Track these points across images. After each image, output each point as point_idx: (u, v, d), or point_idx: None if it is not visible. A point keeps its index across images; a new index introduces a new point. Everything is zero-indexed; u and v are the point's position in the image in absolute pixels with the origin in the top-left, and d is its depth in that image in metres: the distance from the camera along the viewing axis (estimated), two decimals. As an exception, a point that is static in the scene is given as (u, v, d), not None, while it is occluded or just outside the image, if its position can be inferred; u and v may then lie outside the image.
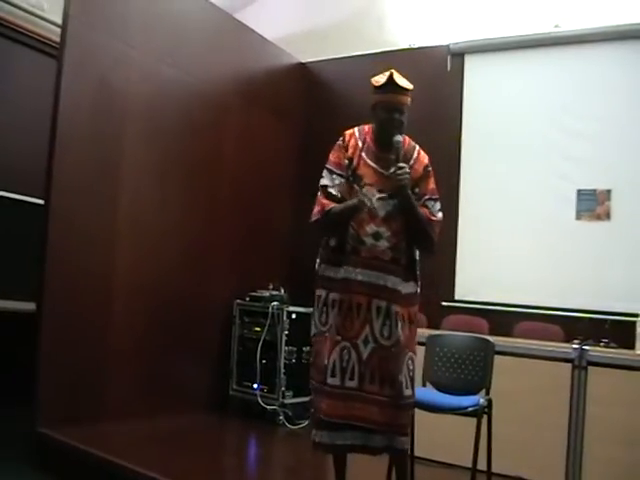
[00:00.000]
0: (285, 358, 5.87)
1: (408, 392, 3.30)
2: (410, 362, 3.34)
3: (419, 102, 6.47)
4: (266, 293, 6.05)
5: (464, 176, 6.24)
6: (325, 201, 3.41)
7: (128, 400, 5.12)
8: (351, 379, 3.28)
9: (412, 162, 3.48)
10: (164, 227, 5.08)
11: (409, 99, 3.46)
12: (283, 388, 5.83)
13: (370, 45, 6.88)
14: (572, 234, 5.69)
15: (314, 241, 6.95)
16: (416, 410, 3.94)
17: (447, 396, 3.95)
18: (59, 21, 5.14)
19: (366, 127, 3.64)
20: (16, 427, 4.94)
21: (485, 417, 3.78)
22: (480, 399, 3.76)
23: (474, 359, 4.06)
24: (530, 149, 5.94)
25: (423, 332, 4.80)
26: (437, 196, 3.51)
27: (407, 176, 3.30)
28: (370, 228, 3.34)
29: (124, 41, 5.27)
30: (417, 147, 3.57)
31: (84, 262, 4.95)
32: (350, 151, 3.54)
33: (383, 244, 3.34)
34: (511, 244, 5.92)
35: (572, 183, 5.73)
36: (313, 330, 3.52)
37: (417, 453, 4.18)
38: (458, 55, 6.39)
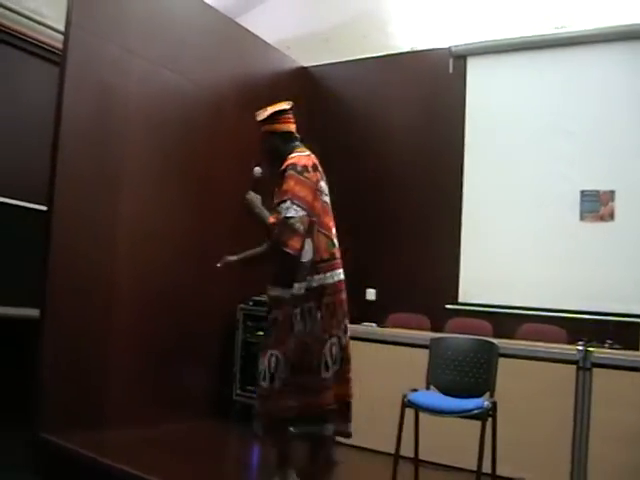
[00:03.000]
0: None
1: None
2: None
3: (421, 104, 6.58)
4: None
5: (467, 178, 6.24)
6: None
7: (131, 406, 5.11)
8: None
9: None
10: (166, 231, 5.08)
11: (266, 127, 3.94)
12: (288, 391, 5.80)
13: (372, 49, 6.89)
14: (576, 235, 5.69)
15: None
16: (420, 413, 3.96)
17: (451, 399, 3.95)
18: (58, 27, 5.15)
19: None
20: (18, 432, 4.94)
21: (489, 420, 3.76)
22: (485, 402, 3.74)
23: (478, 361, 4.05)
24: (533, 151, 5.94)
25: (426, 335, 4.81)
26: (286, 197, 3.66)
27: (246, 202, 3.85)
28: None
29: (125, 47, 5.27)
30: (289, 160, 3.79)
31: (87, 268, 4.95)
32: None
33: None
34: (514, 246, 5.91)
35: (575, 184, 5.73)
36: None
37: (421, 456, 4.19)
38: (460, 57, 6.39)
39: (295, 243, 3.60)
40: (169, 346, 4.96)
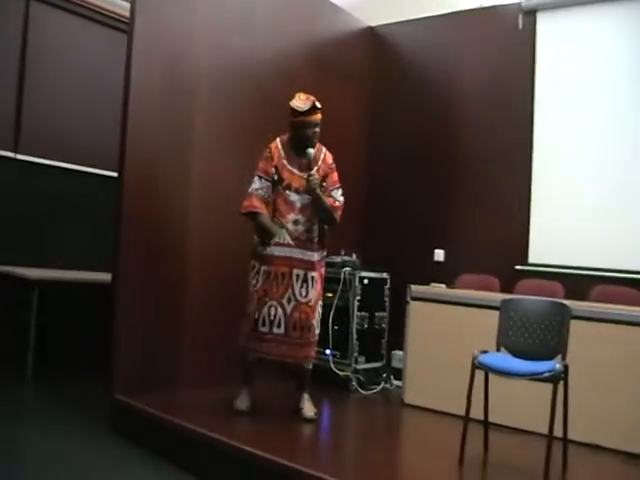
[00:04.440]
0: (357, 324, 5.90)
1: (317, 331, 4.66)
2: (319, 309, 4.68)
3: (489, 64, 6.44)
4: (338, 259, 6.06)
5: (537, 138, 6.09)
6: (256, 203, 4.58)
7: (202, 368, 5.23)
8: (278, 327, 4.53)
9: (320, 163, 4.68)
10: (237, 196, 5.09)
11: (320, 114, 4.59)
12: (356, 354, 5.87)
13: (439, 6, 6.75)
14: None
15: (386, 207, 6.97)
16: (490, 375, 3.95)
17: (522, 361, 3.91)
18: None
19: (285, 138, 4.72)
20: (96, 393, 5.13)
21: (561, 383, 3.73)
22: (556, 365, 3.71)
23: (550, 324, 4.00)
24: (607, 109, 5.76)
25: (496, 296, 4.77)
26: (339, 185, 4.72)
27: (317, 181, 4.52)
28: (291, 217, 4.57)
29: (193, 12, 5.29)
30: (323, 149, 4.74)
31: (158, 233, 5.07)
32: (275, 160, 4.65)
33: (300, 228, 4.58)
34: (586, 205, 5.77)
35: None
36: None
37: (491, 419, 4.19)
38: (530, 13, 6.19)
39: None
40: (238, 310, 5.03)
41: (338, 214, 4.66)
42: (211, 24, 5.45)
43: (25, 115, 6.47)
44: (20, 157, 6.39)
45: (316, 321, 4.64)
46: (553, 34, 6.12)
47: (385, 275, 6.22)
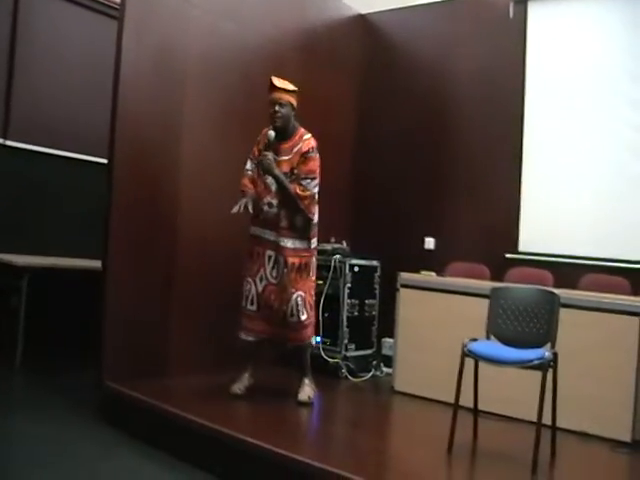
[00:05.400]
0: (347, 311, 5.91)
1: (292, 319, 4.65)
2: (299, 298, 4.64)
3: (480, 53, 6.43)
4: (328, 246, 6.06)
5: (528, 125, 6.10)
6: (245, 182, 4.77)
7: (192, 355, 5.25)
8: (252, 304, 4.73)
9: (296, 149, 4.66)
10: (226, 182, 5.10)
11: (288, 97, 4.65)
12: (346, 341, 5.88)
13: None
14: (638, 182, 5.52)
15: (377, 195, 6.98)
16: (480, 363, 3.96)
17: (511, 349, 3.93)
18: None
19: None
20: (86, 380, 5.14)
21: (550, 371, 3.75)
22: (545, 352, 3.72)
23: (539, 312, 4.01)
24: (596, 97, 5.76)
25: (486, 284, 4.79)
26: (314, 175, 4.65)
27: (267, 162, 4.55)
28: (266, 199, 4.66)
29: (183, -1, 5.28)
30: (305, 136, 4.71)
31: (148, 220, 5.06)
32: (260, 144, 4.73)
33: (273, 211, 4.65)
34: (576, 194, 5.79)
35: (638, 130, 5.54)
36: None
37: (480, 407, 4.20)
38: (521, 2, 6.18)
39: (315, 212, 4.72)
40: (228, 295, 5.04)
41: (305, 204, 4.61)
42: (202, 11, 5.43)
43: (15, 101, 6.42)
44: (10, 143, 6.35)
45: (290, 307, 4.64)
46: (544, 23, 6.11)
47: (375, 263, 6.23)
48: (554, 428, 3.95)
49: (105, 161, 5.22)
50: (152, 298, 5.08)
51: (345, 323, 5.88)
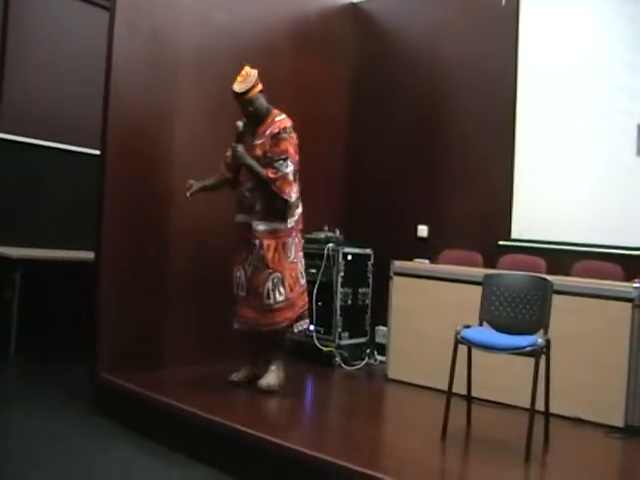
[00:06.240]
0: (341, 300, 5.92)
1: (269, 301, 4.63)
2: (275, 279, 4.64)
3: (472, 41, 6.41)
4: (321, 235, 6.07)
5: (520, 114, 6.07)
6: (220, 165, 4.92)
7: (187, 346, 5.25)
8: (242, 290, 4.75)
9: (268, 132, 4.66)
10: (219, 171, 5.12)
11: (253, 91, 4.66)
12: (339, 330, 5.89)
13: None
14: (632, 170, 5.51)
15: (370, 183, 6.97)
16: (473, 350, 3.97)
17: (505, 336, 3.94)
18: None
19: None
20: (80, 372, 5.13)
21: (543, 357, 3.76)
22: (538, 339, 3.73)
23: (532, 298, 4.01)
24: (589, 85, 5.74)
25: (479, 271, 4.79)
26: (286, 156, 4.61)
27: (238, 153, 4.59)
28: (246, 185, 4.71)
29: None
30: (277, 118, 4.71)
31: (142, 209, 5.05)
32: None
33: (250, 195, 4.68)
34: (569, 181, 5.78)
35: (632, 118, 5.53)
36: None
37: (474, 393, 4.22)
38: (513, -12, 6.17)
39: (291, 192, 4.64)
40: (221, 285, 5.05)
41: (277, 185, 4.57)
42: (194, -1, 5.41)
43: (6, 93, 6.40)
44: (1, 135, 6.33)
45: (266, 289, 4.62)
46: (536, 10, 6.08)
47: (368, 251, 6.24)
48: (547, 414, 3.97)
49: (98, 152, 5.20)
50: (146, 290, 5.07)
51: (339, 311, 5.89)
